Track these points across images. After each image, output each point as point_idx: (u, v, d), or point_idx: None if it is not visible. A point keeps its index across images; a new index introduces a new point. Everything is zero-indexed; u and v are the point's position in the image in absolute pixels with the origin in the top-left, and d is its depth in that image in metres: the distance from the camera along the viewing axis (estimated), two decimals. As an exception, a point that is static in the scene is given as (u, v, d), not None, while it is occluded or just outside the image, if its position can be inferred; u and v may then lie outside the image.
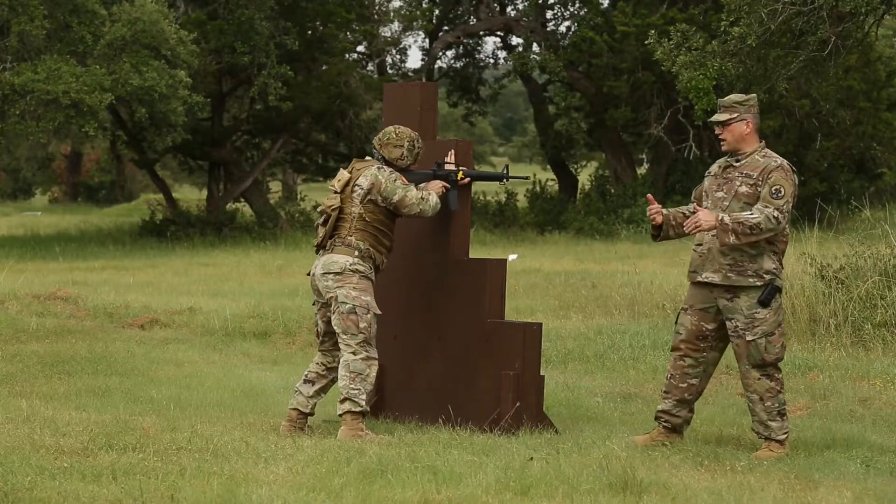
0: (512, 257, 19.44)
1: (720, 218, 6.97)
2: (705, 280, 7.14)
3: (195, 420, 7.70)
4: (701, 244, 7.23)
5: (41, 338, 11.83)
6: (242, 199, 31.50)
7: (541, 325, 7.87)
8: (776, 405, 7.12)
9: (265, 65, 27.30)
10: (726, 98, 7.33)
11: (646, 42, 17.55)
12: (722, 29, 15.32)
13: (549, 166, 37.15)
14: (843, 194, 27.25)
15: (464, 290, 7.88)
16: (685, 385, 7.25)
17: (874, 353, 10.55)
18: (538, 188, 31.84)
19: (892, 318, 10.97)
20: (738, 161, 7.20)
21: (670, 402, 7.30)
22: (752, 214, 6.96)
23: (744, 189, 7.10)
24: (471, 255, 8.09)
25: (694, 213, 7.12)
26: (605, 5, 31.18)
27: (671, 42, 15.98)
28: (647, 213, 7.49)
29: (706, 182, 7.34)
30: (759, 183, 7.08)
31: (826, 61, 15.52)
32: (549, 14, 33.67)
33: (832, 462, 6.85)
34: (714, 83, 15.30)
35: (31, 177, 54.69)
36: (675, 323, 7.36)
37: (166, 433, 7.08)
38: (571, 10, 33.24)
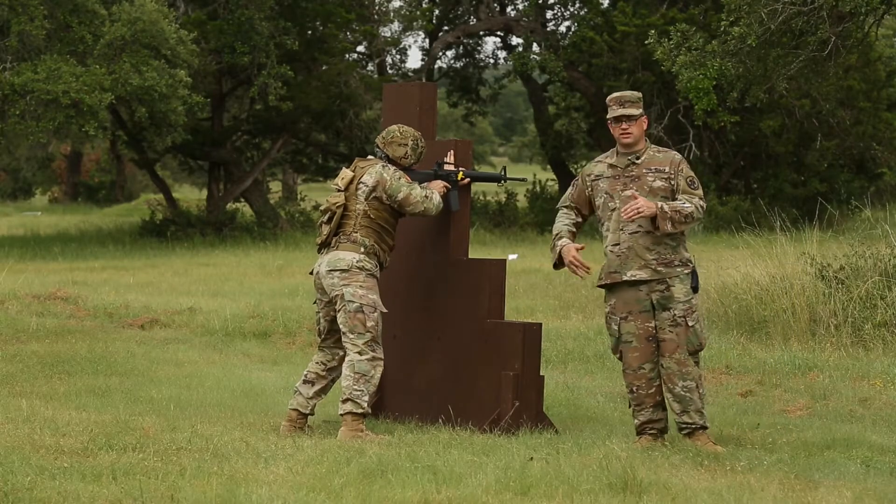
0: (512, 257, 19.44)
1: (660, 206, 7.06)
2: (632, 279, 7.16)
3: (195, 420, 7.69)
4: (618, 244, 7.23)
5: (41, 338, 11.82)
6: (242, 199, 31.50)
7: (541, 325, 7.87)
8: (704, 392, 7.28)
9: (265, 65, 27.30)
10: (628, 94, 7.38)
11: (646, 42, 17.54)
12: (722, 29, 15.32)
13: (549, 166, 37.15)
14: (843, 194, 27.26)
15: (463, 290, 7.88)
16: (653, 390, 7.24)
17: (874, 353, 10.55)
18: (538, 188, 31.83)
19: (892, 318, 10.97)
20: (638, 158, 7.28)
21: (647, 411, 7.25)
22: (685, 204, 7.12)
23: (658, 184, 7.20)
24: (471, 255, 8.09)
25: (632, 201, 7.09)
26: (605, 5, 31.18)
27: (671, 42, 15.98)
28: (574, 266, 7.29)
29: (603, 184, 7.31)
30: (672, 176, 7.20)
31: (826, 61, 15.52)
32: (549, 14, 33.70)
33: (832, 462, 6.85)
34: (714, 83, 15.30)
35: (31, 177, 54.65)
36: (617, 335, 7.27)
37: (166, 433, 7.08)
38: (571, 10, 33.26)
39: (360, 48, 33.70)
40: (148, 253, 24.70)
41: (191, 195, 46.00)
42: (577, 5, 32.71)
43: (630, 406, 7.36)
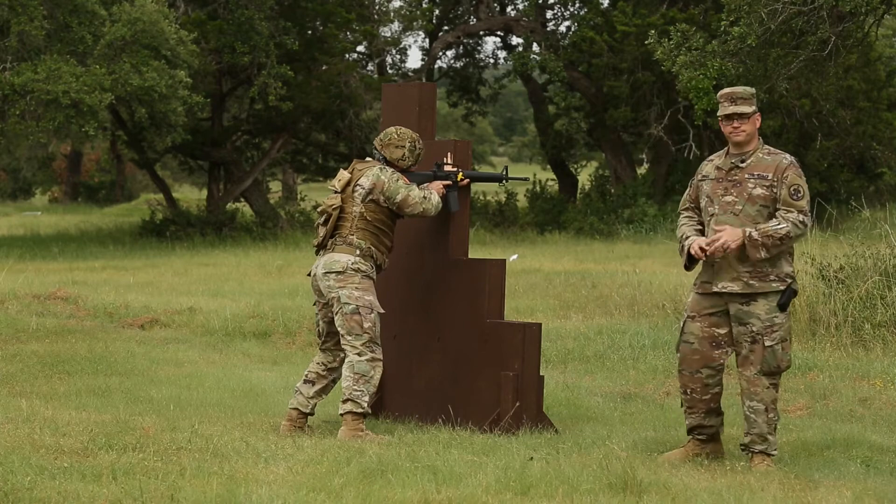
0: (513, 258, 19.45)
1: (748, 234, 6.62)
2: (722, 290, 6.77)
3: (195, 420, 7.69)
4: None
5: (41, 338, 11.83)
6: (242, 199, 31.51)
7: (540, 325, 7.87)
8: (776, 417, 6.84)
9: (265, 65, 27.31)
10: (740, 89, 6.88)
11: (646, 42, 17.55)
12: (722, 29, 15.33)
13: (549, 166, 37.14)
14: (843, 194, 27.25)
15: (463, 291, 7.88)
16: (709, 396, 6.92)
17: (874, 353, 10.55)
18: (538, 188, 31.83)
19: (892, 318, 10.97)
20: (742, 161, 6.80)
21: (698, 415, 6.95)
22: (778, 225, 6.61)
23: (759, 191, 6.71)
24: (471, 255, 8.10)
25: (715, 234, 6.72)
26: (605, 5, 31.17)
27: (671, 42, 15.99)
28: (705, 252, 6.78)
29: (706, 186, 6.89)
30: (776, 184, 6.70)
31: (826, 61, 15.54)
32: (549, 14, 33.67)
33: (832, 462, 6.85)
34: (714, 83, 15.31)
35: (31, 177, 54.66)
36: (682, 333, 6.95)
37: (166, 433, 7.08)
38: (571, 10, 33.25)
39: (360, 48, 33.70)
40: (148, 253, 24.70)
41: (191, 195, 46.00)
42: (577, 5, 32.70)
43: (682, 406, 7.05)
